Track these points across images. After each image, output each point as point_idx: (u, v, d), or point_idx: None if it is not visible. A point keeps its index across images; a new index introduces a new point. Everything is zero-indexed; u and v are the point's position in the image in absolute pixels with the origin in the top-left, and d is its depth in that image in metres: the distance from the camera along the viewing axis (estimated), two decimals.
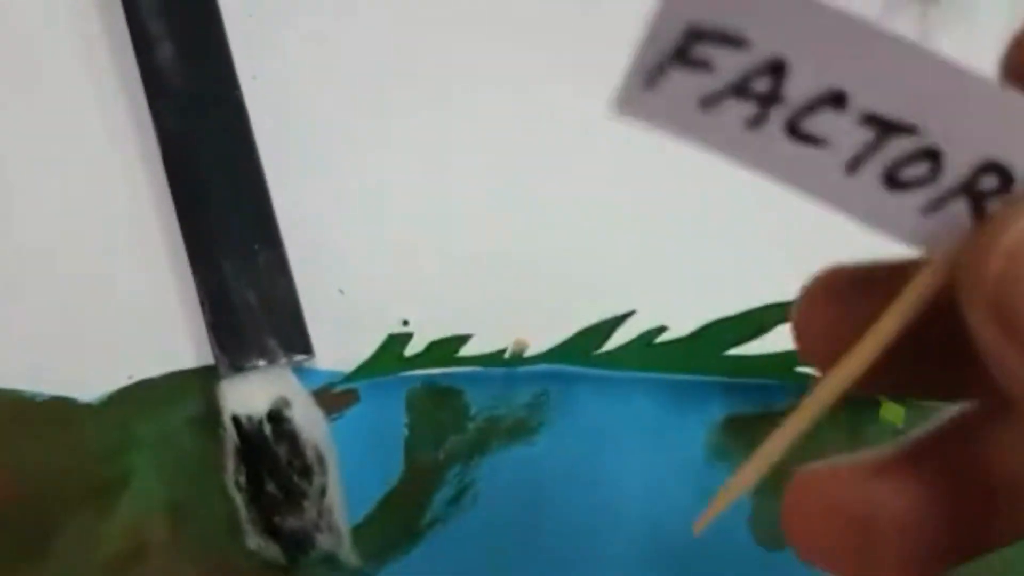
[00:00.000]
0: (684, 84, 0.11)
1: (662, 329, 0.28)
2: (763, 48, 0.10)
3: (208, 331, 0.28)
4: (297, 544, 0.27)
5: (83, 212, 0.30)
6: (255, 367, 0.28)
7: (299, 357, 0.28)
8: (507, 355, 0.28)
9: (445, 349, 0.28)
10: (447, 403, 0.29)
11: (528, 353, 0.28)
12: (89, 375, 0.29)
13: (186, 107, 0.30)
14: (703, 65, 0.11)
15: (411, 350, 0.28)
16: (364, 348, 0.29)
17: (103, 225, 0.30)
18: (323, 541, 0.27)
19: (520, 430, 0.29)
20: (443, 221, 0.30)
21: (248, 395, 0.28)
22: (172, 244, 0.29)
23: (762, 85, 0.11)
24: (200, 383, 0.29)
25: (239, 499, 0.27)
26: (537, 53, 0.31)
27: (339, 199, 0.30)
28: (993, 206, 0.11)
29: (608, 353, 0.28)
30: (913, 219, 0.11)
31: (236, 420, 0.27)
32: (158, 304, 0.29)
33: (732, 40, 0.10)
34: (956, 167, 0.11)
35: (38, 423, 0.28)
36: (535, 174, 0.30)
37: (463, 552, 0.28)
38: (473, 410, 0.29)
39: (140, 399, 0.29)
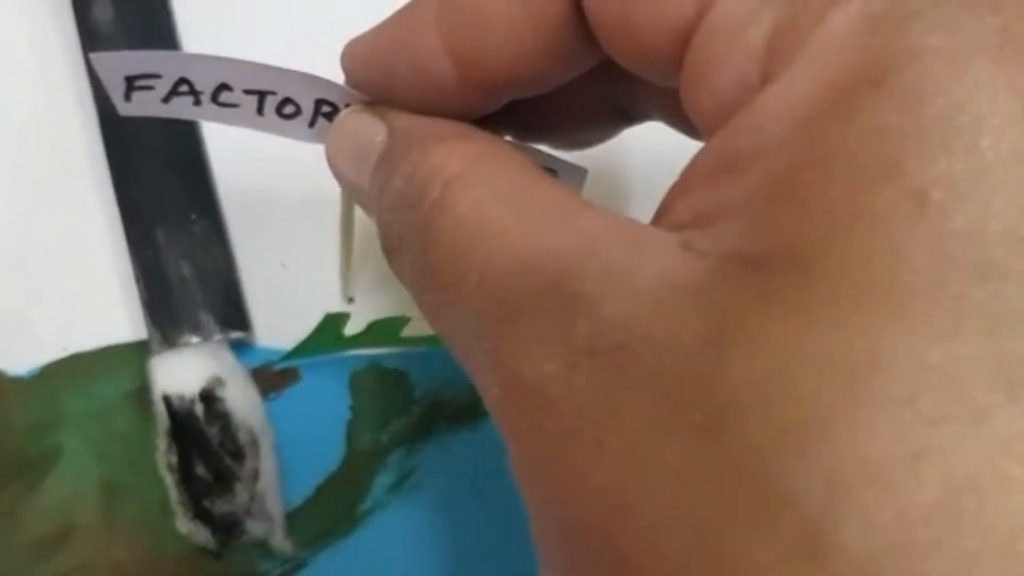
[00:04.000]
0: (146, 95, 0.19)
1: None
2: (169, 75, 0.19)
3: (142, 305, 0.27)
4: (227, 529, 0.26)
5: (15, 178, 0.29)
6: (188, 343, 0.27)
7: (236, 334, 0.27)
8: None
9: (387, 329, 0.27)
10: (391, 385, 0.28)
11: None
12: (20, 347, 0.27)
13: None
14: (149, 86, 0.19)
15: (352, 329, 0.27)
16: (306, 325, 0.28)
17: (37, 191, 0.29)
18: (254, 527, 0.26)
19: (464, 415, 0.27)
20: None
21: (180, 373, 0.26)
22: (108, 211, 0.28)
23: (186, 87, 0.19)
24: (136, 357, 0.27)
25: (169, 481, 0.26)
26: None
27: (282, 168, 0.29)
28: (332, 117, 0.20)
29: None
30: (306, 131, 0.20)
31: (167, 399, 0.26)
32: (94, 274, 0.28)
33: (151, 75, 0.19)
34: (306, 104, 0.20)
35: None
36: None
37: (401, 539, 0.27)
38: (417, 393, 0.28)
39: (72, 373, 0.27)
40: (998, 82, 0.12)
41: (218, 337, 0.27)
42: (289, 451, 0.27)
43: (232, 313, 0.27)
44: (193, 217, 0.27)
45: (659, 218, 0.15)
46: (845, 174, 0.12)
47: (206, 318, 0.27)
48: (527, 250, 0.15)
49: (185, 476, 0.26)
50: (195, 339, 0.27)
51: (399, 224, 0.17)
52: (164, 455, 0.26)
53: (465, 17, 0.17)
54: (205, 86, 0.19)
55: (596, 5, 0.16)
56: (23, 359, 0.27)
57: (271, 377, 0.28)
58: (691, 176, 0.15)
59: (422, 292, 0.17)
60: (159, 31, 0.29)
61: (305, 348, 0.27)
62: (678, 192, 0.15)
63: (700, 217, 0.14)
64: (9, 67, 0.29)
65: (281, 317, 0.28)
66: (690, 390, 0.12)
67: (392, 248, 0.18)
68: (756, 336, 0.12)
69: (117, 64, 0.19)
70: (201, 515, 0.26)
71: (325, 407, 0.28)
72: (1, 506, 0.26)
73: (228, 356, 0.27)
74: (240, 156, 0.28)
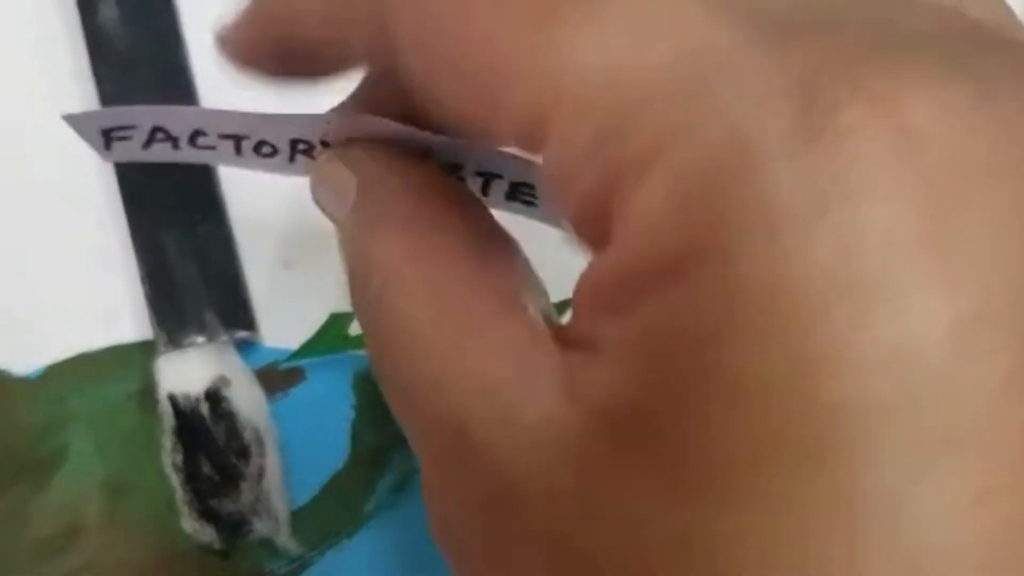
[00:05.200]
0: (126, 143, 0.20)
1: None
2: (143, 126, 0.19)
3: (147, 305, 0.27)
4: (233, 528, 0.26)
5: (21, 178, 0.29)
6: (194, 343, 0.27)
7: (241, 333, 0.27)
8: None
9: None
10: None
11: None
12: (25, 347, 0.28)
13: (130, 72, 0.29)
14: (127, 136, 0.19)
15: (357, 329, 0.27)
16: (311, 325, 0.28)
17: (42, 191, 0.29)
18: (260, 526, 0.26)
19: None
20: None
21: (185, 372, 0.27)
22: (114, 212, 0.28)
23: (163, 134, 0.20)
24: (142, 358, 0.28)
25: (175, 480, 0.26)
26: None
27: None
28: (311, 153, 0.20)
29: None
30: (287, 166, 0.21)
31: (173, 398, 0.26)
32: (99, 274, 0.28)
33: (127, 127, 0.19)
34: (282, 145, 0.20)
35: None
36: None
37: (406, 538, 0.27)
38: None
39: (78, 373, 0.28)
40: (795, 269, 0.12)
41: (223, 337, 0.27)
42: (294, 450, 0.27)
43: (237, 313, 0.27)
44: (198, 218, 0.28)
45: (573, 307, 0.15)
46: (673, 352, 0.12)
47: (211, 318, 0.27)
48: (442, 374, 0.15)
49: (191, 475, 0.26)
50: (200, 339, 0.27)
51: (353, 297, 0.19)
52: (170, 454, 0.26)
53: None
54: (180, 132, 0.20)
55: (421, 93, 0.16)
56: (29, 359, 0.27)
57: (276, 377, 0.28)
58: (589, 280, 0.14)
59: (372, 363, 0.18)
60: (164, 31, 0.29)
61: (310, 348, 0.27)
62: (585, 288, 0.14)
63: (588, 337, 0.14)
64: (15, 68, 0.30)
65: (286, 317, 0.28)
66: (565, 547, 0.13)
67: (352, 301, 0.19)
68: (614, 504, 0.13)
69: (91, 121, 0.20)
70: (207, 514, 0.26)
71: (330, 406, 0.28)
72: (8, 506, 0.26)
73: (233, 356, 0.27)
74: None
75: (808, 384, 0.11)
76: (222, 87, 0.29)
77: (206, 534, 0.26)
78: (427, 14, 0.15)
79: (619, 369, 0.13)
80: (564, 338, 0.15)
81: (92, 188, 0.29)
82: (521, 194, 0.21)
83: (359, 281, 0.18)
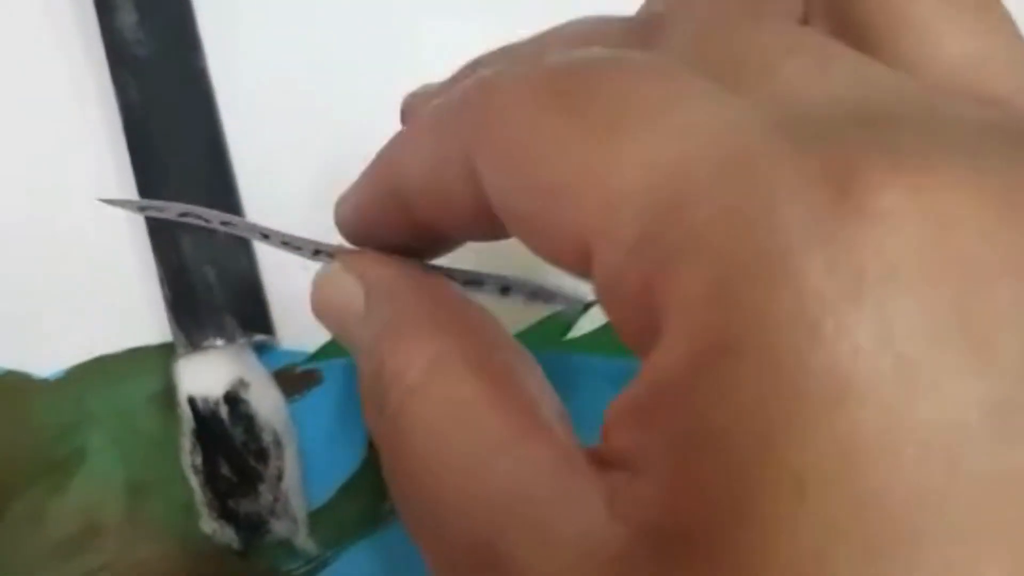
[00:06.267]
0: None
1: None
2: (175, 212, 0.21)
3: (166, 308, 0.28)
4: (251, 529, 0.26)
5: (43, 184, 0.29)
6: (212, 346, 0.27)
7: (259, 337, 0.28)
8: None
9: None
10: None
11: None
12: (46, 349, 0.28)
13: (149, 77, 0.29)
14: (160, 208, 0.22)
15: None
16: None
17: (63, 197, 0.29)
18: (278, 526, 0.26)
19: None
20: None
21: (204, 375, 0.27)
22: (134, 215, 0.29)
23: (194, 217, 0.21)
24: (161, 360, 0.28)
25: (194, 481, 0.27)
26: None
27: (305, 172, 0.29)
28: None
29: (574, 340, 0.27)
30: (311, 257, 0.22)
31: (192, 400, 0.27)
32: (119, 277, 0.29)
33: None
34: (305, 248, 0.22)
35: None
36: None
37: None
38: None
39: (98, 375, 0.28)
40: (843, 352, 0.12)
41: (242, 340, 0.27)
42: (311, 452, 0.27)
43: (255, 316, 0.28)
44: None
45: (604, 428, 0.15)
46: (725, 452, 0.12)
47: (230, 321, 0.27)
48: (468, 492, 0.15)
49: (210, 476, 0.26)
50: (219, 342, 0.27)
51: (370, 410, 0.18)
52: (189, 456, 0.27)
53: (411, 203, 0.19)
54: (211, 219, 0.21)
55: (503, 216, 0.17)
56: (49, 362, 0.28)
57: (294, 379, 0.28)
58: (627, 398, 0.14)
59: (389, 484, 0.18)
60: (182, 35, 0.29)
61: (327, 350, 0.28)
62: (621, 409, 0.14)
63: (627, 455, 0.14)
64: (34, 72, 0.30)
65: (303, 320, 0.28)
66: None
67: (367, 417, 0.19)
68: None
69: (126, 205, 0.24)
70: (226, 515, 0.26)
71: (347, 408, 0.28)
72: (27, 507, 0.27)
73: (251, 358, 0.28)
74: (263, 160, 0.29)
75: (862, 472, 0.11)
76: (239, 90, 0.29)
77: (225, 535, 0.26)
78: (505, 139, 0.15)
79: (663, 485, 0.13)
80: (599, 458, 0.15)
81: (111, 191, 0.29)
82: (541, 295, 0.23)
83: (374, 400, 0.18)
